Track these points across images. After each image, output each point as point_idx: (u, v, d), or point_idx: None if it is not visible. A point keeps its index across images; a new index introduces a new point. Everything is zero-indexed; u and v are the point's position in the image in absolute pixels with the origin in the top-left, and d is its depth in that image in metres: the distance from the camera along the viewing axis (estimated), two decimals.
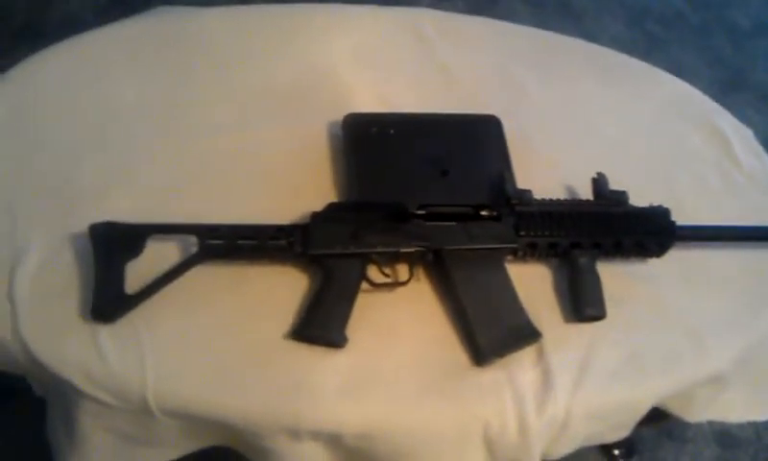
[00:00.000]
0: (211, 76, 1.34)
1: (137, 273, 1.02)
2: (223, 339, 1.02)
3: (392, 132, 1.20)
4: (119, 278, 1.01)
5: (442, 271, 1.09)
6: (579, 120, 1.41)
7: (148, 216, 1.06)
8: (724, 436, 1.87)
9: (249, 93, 1.32)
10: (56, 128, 1.22)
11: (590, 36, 1.77)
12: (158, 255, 1.04)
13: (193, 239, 1.05)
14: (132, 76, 1.32)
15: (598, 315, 1.09)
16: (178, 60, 1.37)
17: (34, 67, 1.31)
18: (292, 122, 1.27)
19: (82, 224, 1.04)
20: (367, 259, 1.07)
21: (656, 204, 1.17)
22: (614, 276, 1.14)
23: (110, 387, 0.97)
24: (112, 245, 1.03)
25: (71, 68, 1.32)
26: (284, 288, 1.07)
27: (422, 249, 1.08)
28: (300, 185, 1.18)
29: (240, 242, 1.05)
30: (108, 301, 1.00)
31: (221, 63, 1.37)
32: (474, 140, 1.23)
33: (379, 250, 1.07)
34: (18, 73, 1.30)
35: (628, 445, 1.80)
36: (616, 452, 1.79)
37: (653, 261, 1.17)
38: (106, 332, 0.99)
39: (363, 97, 1.32)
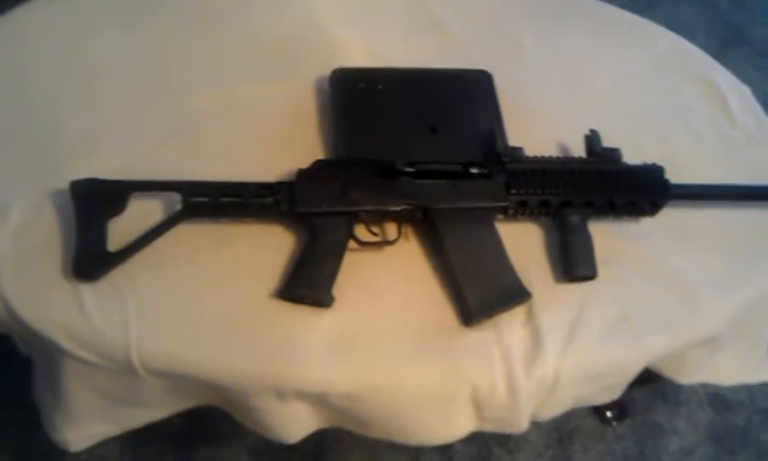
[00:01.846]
0: (197, 31, 1.33)
1: (120, 230, 1.02)
2: (207, 298, 1.01)
3: (380, 87, 1.20)
4: (101, 235, 1.01)
5: (431, 229, 1.08)
6: (572, 75, 1.40)
7: (132, 173, 1.06)
8: (718, 399, 1.88)
9: (235, 48, 1.31)
10: (38, 82, 1.21)
11: None
12: (142, 213, 1.04)
13: (177, 196, 1.04)
14: (116, 31, 1.30)
15: (589, 275, 1.08)
16: (163, 13, 1.35)
17: (16, 20, 1.30)
18: (279, 77, 1.27)
19: (64, 180, 1.03)
20: (354, 218, 1.07)
21: (650, 161, 1.17)
22: (606, 235, 1.14)
23: (94, 346, 0.97)
24: (94, 202, 1.02)
25: (54, 21, 1.30)
26: (270, 247, 1.07)
27: (411, 207, 1.07)
28: (286, 142, 1.17)
29: (224, 199, 1.04)
30: (90, 259, 0.99)
31: (207, 18, 1.35)
32: (465, 96, 1.22)
33: (367, 208, 1.06)
34: (2, 24, 1.29)
35: (621, 407, 1.81)
36: (609, 415, 1.80)
37: (646, 220, 1.16)
38: (88, 291, 0.99)
39: (351, 52, 1.31)
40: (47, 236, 1.03)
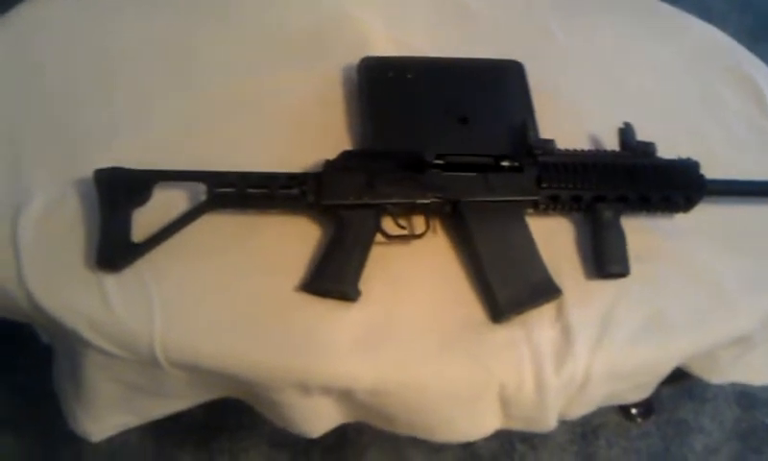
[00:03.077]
0: (222, 17, 1.31)
1: (144, 221, 1.01)
2: (232, 291, 1.00)
3: (409, 76, 1.18)
4: (125, 225, 1.00)
5: (459, 223, 1.07)
6: (603, 66, 1.38)
7: (154, 162, 1.05)
8: (745, 397, 1.86)
9: (260, 35, 1.29)
10: (60, 70, 1.20)
11: None
12: (166, 203, 1.03)
13: (202, 187, 1.03)
14: (140, 16, 1.29)
15: (622, 272, 1.07)
16: (190, 2, 1.34)
17: (35, 8, 1.29)
18: (306, 65, 1.25)
19: (88, 169, 1.02)
20: (381, 210, 1.05)
21: (683, 155, 1.14)
22: (639, 231, 1.12)
23: (117, 337, 0.96)
24: (118, 191, 1.01)
25: (75, 8, 1.29)
26: (296, 239, 1.05)
27: (439, 200, 1.06)
28: (313, 133, 1.15)
29: (250, 191, 1.03)
30: (114, 249, 0.99)
31: (229, 5, 1.34)
32: (495, 86, 1.21)
33: (394, 201, 1.05)
34: (19, 14, 1.27)
35: (646, 404, 1.78)
36: (634, 411, 1.79)
37: (680, 217, 1.14)
38: (112, 281, 0.98)
39: (378, 40, 1.29)
40: (70, 225, 1.02)
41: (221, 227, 1.04)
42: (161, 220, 1.01)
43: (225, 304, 0.99)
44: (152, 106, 1.17)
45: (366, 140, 1.13)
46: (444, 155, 1.07)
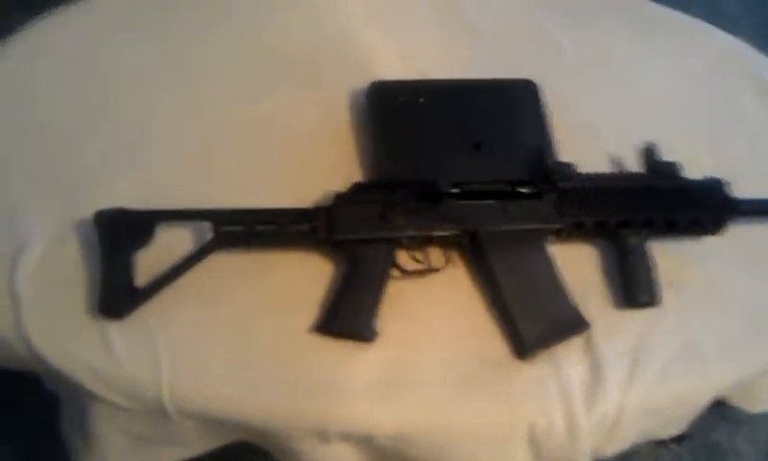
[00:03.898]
0: (223, 41, 1.28)
1: (147, 263, 0.97)
2: (242, 335, 0.96)
3: (421, 101, 1.14)
4: (128, 269, 0.96)
5: (479, 255, 1.03)
6: (619, 81, 1.34)
7: (157, 197, 1.01)
8: None
9: (262, 60, 1.25)
10: (56, 104, 1.17)
11: None
12: (170, 244, 0.99)
13: (207, 226, 0.99)
14: (138, 44, 1.26)
15: (651, 301, 1.02)
16: (185, 25, 1.31)
17: (31, 38, 1.26)
18: (312, 90, 1.21)
19: (87, 210, 0.98)
20: (396, 244, 1.01)
21: (706, 172, 1.10)
22: (667, 256, 1.07)
23: (122, 388, 0.93)
24: (120, 234, 0.97)
25: (72, 38, 1.26)
26: (307, 277, 1.01)
27: (457, 231, 1.02)
28: (321, 162, 1.11)
29: (259, 228, 0.99)
30: (116, 295, 0.95)
31: (234, 27, 1.30)
32: (509, 108, 1.16)
33: (410, 233, 1.01)
34: (15, 45, 1.24)
35: None
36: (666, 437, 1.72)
37: (709, 239, 1.09)
38: (115, 329, 0.94)
39: (386, 61, 1.25)
40: (71, 270, 0.98)
41: (228, 267, 1.00)
42: (165, 262, 0.97)
43: (235, 349, 0.95)
44: (153, 140, 1.13)
45: (377, 170, 1.09)
46: (459, 183, 1.03)
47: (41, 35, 1.26)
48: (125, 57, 1.23)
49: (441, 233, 1.01)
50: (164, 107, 1.18)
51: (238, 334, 0.96)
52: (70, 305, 0.96)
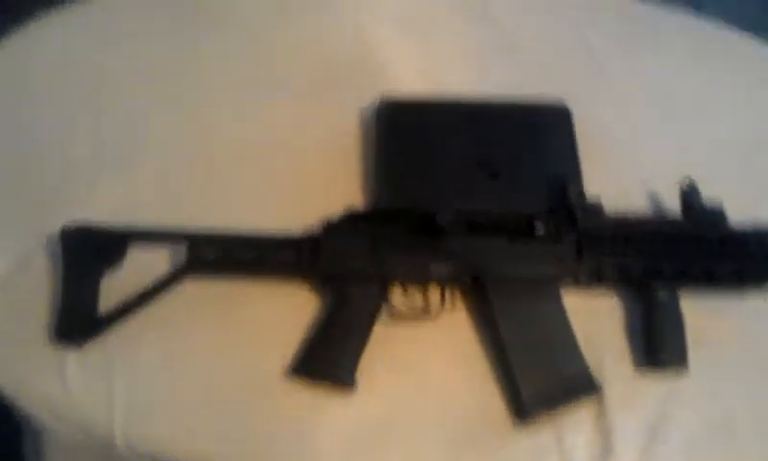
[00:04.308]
0: (222, 51, 1.20)
1: (117, 286, 0.90)
2: (210, 373, 0.89)
3: (434, 121, 1.04)
4: (92, 293, 0.89)
5: (481, 300, 0.92)
6: (671, 110, 1.19)
7: (136, 213, 0.95)
8: None
9: (268, 68, 1.17)
10: (40, 107, 1.12)
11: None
12: (142, 266, 0.92)
13: (183, 248, 0.91)
14: (134, 51, 1.19)
15: (678, 364, 0.90)
16: (188, 33, 1.22)
17: (20, 41, 1.20)
18: (319, 104, 1.12)
19: (59, 224, 0.92)
20: (389, 282, 0.92)
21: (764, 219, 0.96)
22: (702, 311, 0.94)
23: (75, 422, 0.87)
24: (86, 252, 0.90)
25: (59, 43, 1.20)
26: (288, 313, 0.93)
27: (457, 272, 0.91)
28: (319, 183, 1.03)
29: (238, 254, 0.91)
30: (76, 321, 0.89)
31: (232, 37, 1.22)
32: (535, 134, 1.05)
33: (403, 271, 0.91)
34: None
35: None
36: None
37: (752, 295, 0.96)
38: (73, 358, 0.88)
39: (405, 75, 1.16)
40: (34, 291, 0.92)
41: (203, 295, 0.93)
42: (135, 286, 0.90)
43: (200, 390, 0.88)
44: (140, 153, 1.07)
45: (380, 196, 0.99)
46: (464, 216, 0.92)
47: (35, 35, 1.21)
48: (119, 63, 1.17)
49: (438, 273, 0.91)
50: (156, 118, 1.11)
51: (205, 373, 0.89)
52: (30, 330, 0.90)
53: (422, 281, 0.93)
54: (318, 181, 1.03)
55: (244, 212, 0.97)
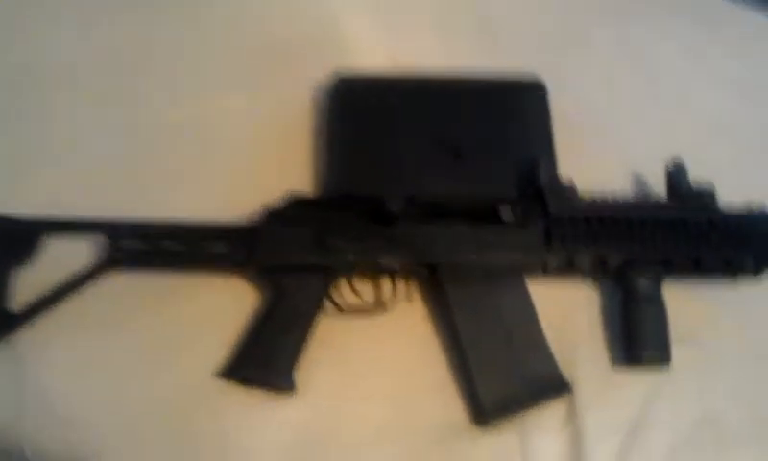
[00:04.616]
0: (158, 31, 1.10)
1: (33, 281, 0.83)
2: (133, 377, 0.83)
3: (392, 99, 0.96)
4: (1, 289, 0.82)
5: (438, 292, 0.84)
6: (662, 85, 1.11)
7: (64, 204, 0.86)
8: None
9: (224, 45, 1.08)
10: None
11: None
12: (61, 261, 0.84)
13: (104, 240, 0.84)
14: (57, 40, 1.09)
15: (660, 360, 0.82)
16: (129, 17, 1.11)
17: None
18: (263, 87, 1.04)
19: None
20: (334, 274, 0.83)
21: (759, 201, 0.87)
22: (689, 301, 0.88)
23: None
24: None
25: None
26: (224, 308, 0.86)
27: (409, 262, 0.82)
28: (271, 169, 0.95)
29: (165, 245, 0.83)
30: None
31: (168, 16, 1.11)
32: (504, 111, 0.96)
33: (351, 261, 0.83)
34: None
35: None
36: None
37: (745, 284, 0.87)
38: None
39: (368, 52, 1.07)
40: None
41: (129, 290, 0.86)
42: (52, 281, 0.82)
43: (121, 396, 0.81)
44: (66, 143, 0.98)
45: (329, 182, 0.91)
46: (418, 201, 0.83)
47: None
48: (42, 56, 1.07)
49: (390, 263, 0.82)
50: (84, 108, 1.02)
51: (128, 377, 0.82)
52: None
53: (372, 273, 0.85)
54: (263, 168, 0.95)
55: (181, 203, 0.89)
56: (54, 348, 0.82)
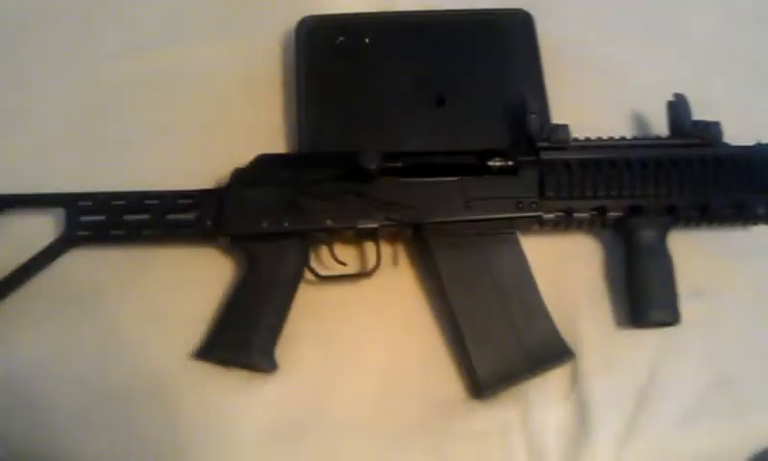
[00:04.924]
0: None
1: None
2: (101, 360, 0.77)
3: (367, 41, 0.89)
4: None
5: (425, 255, 0.78)
6: (658, 12, 1.01)
7: (22, 180, 0.80)
8: None
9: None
10: None
11: None
12: (18, 239, 0.79)
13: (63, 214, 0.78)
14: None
15: (668, 320, 0.76)
16: None
17: None
18: (233, 35, 0.95)
19: None
20: (311, 240, 0.77)
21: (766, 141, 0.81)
22: (698, 251, 0.83)
23: None
24: None
25: None
26: (198, 282, 0.80)
27: (392, 223, 0.76)
28: (239, 127, 0.88)
29: (127, 218, 0.77)
30: None
31: None
32: (489, 49, 0.90)
33: (329, 225, 0.76)
34: None
35: None
36: None
37: (760, 230, 0.81)
38: None
39: None
40: None
41: (93, 267, 0.80)
42: (9, 262, 0.76)
43: (87, 378, 0.76)
44: (26, 94, 0.91)
45: (304, 136, 0.84)
46: (396, 155, 0.77)
47: None
48: None
49: (369, 225, 0.76)
50: (39, 62, 0.94)
51: (92, 360, 0.77)
52: None
53: (354, 237, 0.78)
54: (230, 128, 0.89)
55: (142, 171, 0.83)
56: (16, 330, 0.77)
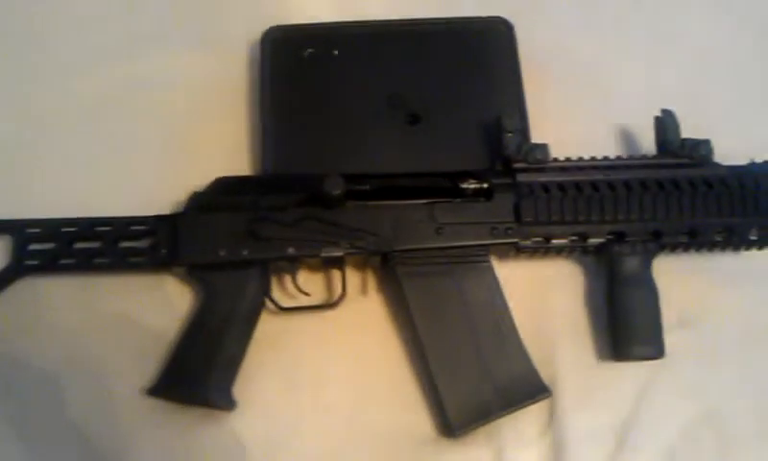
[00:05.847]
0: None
1: None
2: (49, 397, 0.75)
3: (336, 53, 0.85)
4: None
5: (395, 284, 0.75)
6: (648, 22, 0.97)
7: None
8: None
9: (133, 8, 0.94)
10: None
11: None
12: None
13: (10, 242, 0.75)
14: None
15: (652, 354, 0.74)
16: None
17: None
18: (190, 45, 0.92)
19: None
20: (273, 269, 0.75)
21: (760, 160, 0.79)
22: (686, 276, 0.81)
23: None
24: None
25: None
26: (152, 312, 0.78)
27: (358, 251, 0.73)
28: (201, 147, 0.85)
29: (78, 246, 0.75)
30: None
31: None
32: (466, 62, 0.86)
33: (291, 254, 0.73)
34: None
35: None
36: None
37: (752, 255, 0.78)
38: None
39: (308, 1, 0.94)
40: None
41: (43, 297, 0.77)
42: None
43: (34, 417, 0.74)
44: None
45: (267, 157, 0.80)
46: (363, 177, 0.74)
47: None
48: None
49: (334, 254, 0.73)
50: None
51: (38, 397, 0.74)
52: None
53: (319, 265, 0.76)
54: (190, 147, 0.85)
55: (97, 195, 0.80)
56: None
